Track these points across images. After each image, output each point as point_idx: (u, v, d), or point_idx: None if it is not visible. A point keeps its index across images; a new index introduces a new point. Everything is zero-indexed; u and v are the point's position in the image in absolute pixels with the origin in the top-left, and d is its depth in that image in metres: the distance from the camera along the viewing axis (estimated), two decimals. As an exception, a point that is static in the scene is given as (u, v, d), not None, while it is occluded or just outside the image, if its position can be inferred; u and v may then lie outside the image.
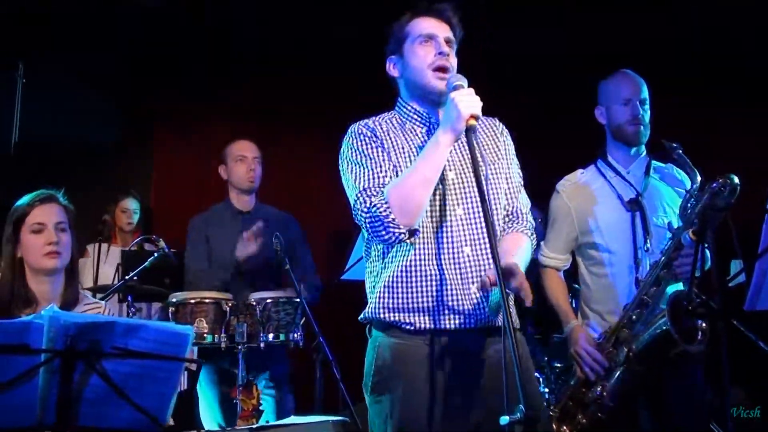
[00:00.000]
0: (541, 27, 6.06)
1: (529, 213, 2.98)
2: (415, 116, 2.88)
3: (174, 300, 4.13)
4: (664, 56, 6.17)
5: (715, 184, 3.30)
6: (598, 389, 3.39)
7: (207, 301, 4.12)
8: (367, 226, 2.69)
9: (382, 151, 2.78)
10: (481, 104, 2.59)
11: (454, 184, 2.75)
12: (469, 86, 2.67)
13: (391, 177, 2.72)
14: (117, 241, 6.16)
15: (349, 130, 2.88)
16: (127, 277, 4.64)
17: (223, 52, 6.74)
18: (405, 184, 2.63)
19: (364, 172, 2.75)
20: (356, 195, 2.72)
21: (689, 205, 3.39)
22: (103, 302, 3.36)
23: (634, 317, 3.41)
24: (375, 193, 2.68)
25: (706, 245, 3.21)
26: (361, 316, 2.85)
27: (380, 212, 2.62)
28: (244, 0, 6.20)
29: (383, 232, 2.64)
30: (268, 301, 4.13)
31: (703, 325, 3.26)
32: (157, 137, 7.17)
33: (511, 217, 2.92)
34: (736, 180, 3.25)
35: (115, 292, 4.75)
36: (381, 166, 2.74)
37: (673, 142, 3.49)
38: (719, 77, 6.30)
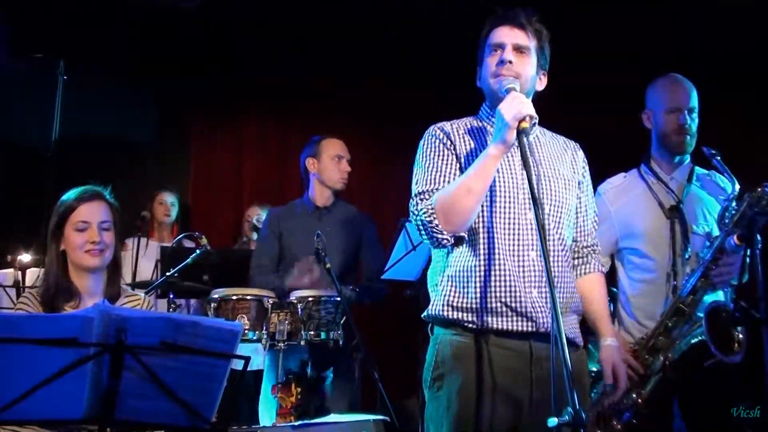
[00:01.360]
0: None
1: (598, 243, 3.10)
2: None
3: (216, 296, 4.14)
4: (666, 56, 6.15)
5: (753, 193, 3.30)
6: (634, 396, 3.37)
7: (248, 297, 4.12)
8: (417, 228, 2.78)
9: (449, 156, 2.84)
10: (528, 104, 2.61)
11: (527, 189, 2.72)
12: None
13: (449, 183, 2.78)
14: (155, 235, 6.21)
15: (426, 132, 2.95)
16: (168, 273, 4.67)
17: (257, 50, 6.77)
18: (451, 193, 2.70)
19: (423, 176, 2.83)
20: (412, 197, 2.82)
21: (727, 213, 3.37)
22: (143, 294, 3.39)
23: (670, 325, 3.41)
24: (426, 198, 2.75)
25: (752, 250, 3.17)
26: (425, 313, 2.88)
27: (425, 218, 2.71)
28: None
29: (427, 237, 2.75)
30: (309, 299, 4.12)
31: (740, 336, 3.24)
32: (194, 134, 7.23)
33: (588, 249, 3.02)
34: None
35: (157, 287, 4.78)
36: (441, 172, 2.81)
37: (712, 149, 3.49)
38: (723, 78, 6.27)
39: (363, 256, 4.79)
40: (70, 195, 3.18)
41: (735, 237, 3.27)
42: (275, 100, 7.10)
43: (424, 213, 2.71)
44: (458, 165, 2.82)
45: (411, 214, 2.79)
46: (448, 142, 2.86)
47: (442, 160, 2.83)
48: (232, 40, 6.68)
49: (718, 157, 3.46)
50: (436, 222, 2.69)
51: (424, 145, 2.91)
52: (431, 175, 2.81)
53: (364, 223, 4.84)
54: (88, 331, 2.26)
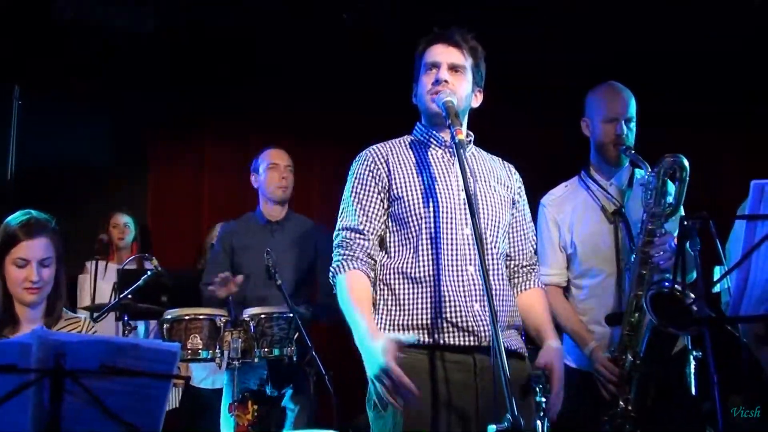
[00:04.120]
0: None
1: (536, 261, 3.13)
2: (432, 139, 2.96)
3: (168, 317, 4.13)
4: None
5: (660, 166, 3.34)
6: (622, 404, 3.36)
7: (201, 317, 4.11)
8: (333, 254, 2.90)
9: (375, 187, 2.89)
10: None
11: (465, 204, 2.77)
12: None
13: (376, 213, 2.87)
14: (114, 258, 6.18)
15: (359, 155, 2.99)
16: (121, 296, 4.64)
17: (213, 70, 6.78)
18: (344, 297, 2.78)
19: (348, 209, 2.92)
20: (339, 226, 2.92)
21: (649, 193, 3.39)
22: (82, 317, 3.37)
23: (634, 321, 3.38)
24: (349, 242, 2.86)
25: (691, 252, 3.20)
26: None
27: (334, 268, 2.85)
28: (235, 18, 6.26)
29: (331, 268, 2.87)
30: (262, 316, 4.12)
31: (694, 307, 3.23)
32: (152, 156, 7.21)
33: (527, 267, 3.05)
34: (682, 158, 3.30)
35: (110, 310, 4.76)
36: (363, 209, 2.88)
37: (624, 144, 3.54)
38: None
39: (318, 270, 4.72)
40: (13, 221, 3.15)
41: (674, 239, 3.30)
42: (234, 120, 7.10)
43: (338, 270, 2.82)
44: (384, 194, 2.88)
45: (335, 241, 2.89)
46: (379, 167, 2.90)
47: (367, 193, 2.89)
48: (187, 60, 6.67)
49: (632, 151, 3.51)
50: (333, 278, 2.85)
51: (353, 173, 2.95)
52: (356, 209, 2.88)
53: (318, 235, 4.76)
54: (27, 357, 2.26)
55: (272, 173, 4.76)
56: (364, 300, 2.77)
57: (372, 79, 6.46)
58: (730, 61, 6.26)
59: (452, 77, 2.87)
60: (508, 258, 3.01)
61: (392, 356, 2.52)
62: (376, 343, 2.58)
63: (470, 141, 3.00)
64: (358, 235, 2.85)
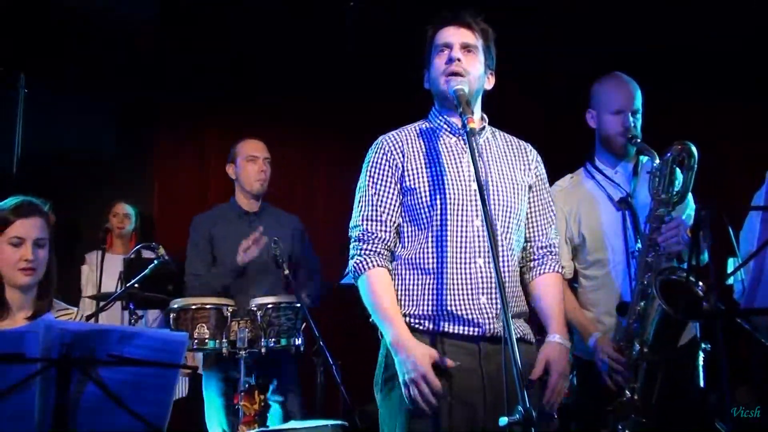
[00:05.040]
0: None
1: (556, 243, 3.09)
2: (445, 125, 2.95)
3: (175, 306, 4.11)
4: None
5: (669, 153, 3.28)
6: (628, 393, 3.30)
7: (208, 306, 4.09)
8: (351, 247, 2.90)
9: (392, 178, 2.88)
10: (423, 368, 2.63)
11: (476, 195, 2.77)
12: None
13: (393, 202, 2.87)
14: (113, 247, 6.17)
15: (376, 143, 2.98)
16: (128, 285, 4.62)
17: (218, 61, 6.76)
18: (370, 296, 2.80)
19: (370, 196, 2.90)
20: (357, 217, 2.91)
21: (658, 180, 3.33)
22: (74, 308, 3.34)
23: (640, 310, 3.32)
24: (372, 231, 2.85)
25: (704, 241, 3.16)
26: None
27: (356, 264, 2.85)
28: (240, 10, 6.24)
29: (351, 266, 2.88)
30: (269, 306, 4.10)
31: (705, 300, 3.18)
32: (157, 147, 7.18)
33: (545, 249, 3.01)
34: (691, 145, 3.24)
35: (117, 299, 4.74)
36: (382, 202, 2.88)
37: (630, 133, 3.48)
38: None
39: (296, 261, 4.69)
40: (5, 204, 3.11)
41: (687, 231, 3.26)
42: (239, 111, 7.07)
43: (359, 261, 2.83)
44: (399, 184, 2.87)
45: (352, 232, 2.90)
46: (395, 155, 2.89)
47: (384, 181, 2.88)
48: (191, 50, 6.65)
49: (638, 139, 3.46)
50: (356, 275, 2.85)
51: (370, 161, 2.94)
52: (374, 201, 2.88)
53: (294, 226, 4.78)
54: (34, 345, 2.24)
55: (251, 166, 4.67)
56: (393, 301, 2.80)
57: (376, 74, 6.44)
58: (729, 60, 6.22)
59: (465, 57, 2.86)
60: (526, 240, 3.00)
61: (430, 365, 2.60)
62: (416, 349, 2.64)
63: (484, 127, 2.97)
64: (378, 226, 2.85)
